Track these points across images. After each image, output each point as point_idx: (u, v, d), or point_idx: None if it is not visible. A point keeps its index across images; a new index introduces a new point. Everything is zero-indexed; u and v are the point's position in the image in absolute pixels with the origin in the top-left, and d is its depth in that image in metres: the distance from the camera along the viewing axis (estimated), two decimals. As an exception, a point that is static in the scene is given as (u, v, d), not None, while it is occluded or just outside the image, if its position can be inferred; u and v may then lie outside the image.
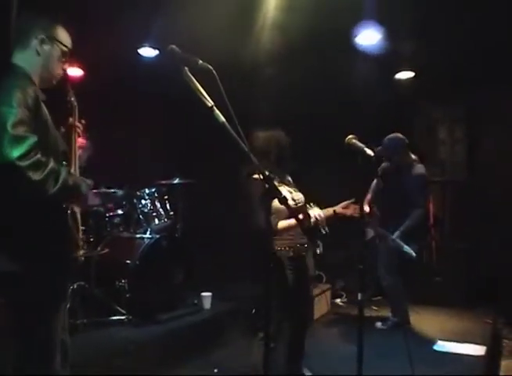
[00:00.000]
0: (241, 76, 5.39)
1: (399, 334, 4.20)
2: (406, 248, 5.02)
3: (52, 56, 2.51)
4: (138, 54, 5.99)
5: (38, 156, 2.14)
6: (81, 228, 2.60)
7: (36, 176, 2.10)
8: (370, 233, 5.51)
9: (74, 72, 6.21)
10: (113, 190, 5.53)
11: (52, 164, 2.19)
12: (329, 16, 4.76)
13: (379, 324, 5.47)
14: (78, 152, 5.47)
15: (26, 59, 2.44)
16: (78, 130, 2.81)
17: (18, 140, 2.09)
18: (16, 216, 2.29)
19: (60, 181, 2.20)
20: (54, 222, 2.37)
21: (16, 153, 2.06)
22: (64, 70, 2.64)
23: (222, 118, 2.22)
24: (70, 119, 2.79)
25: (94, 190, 5.30)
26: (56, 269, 2.37)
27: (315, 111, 6.61)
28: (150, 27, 5.23)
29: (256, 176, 3.52)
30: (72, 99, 2.84)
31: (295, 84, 6.16)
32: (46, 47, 2.47)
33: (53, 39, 2.49)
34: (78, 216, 2.54)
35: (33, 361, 2.38)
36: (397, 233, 5.09)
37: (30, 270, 2.28)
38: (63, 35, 2.55)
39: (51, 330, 2.39)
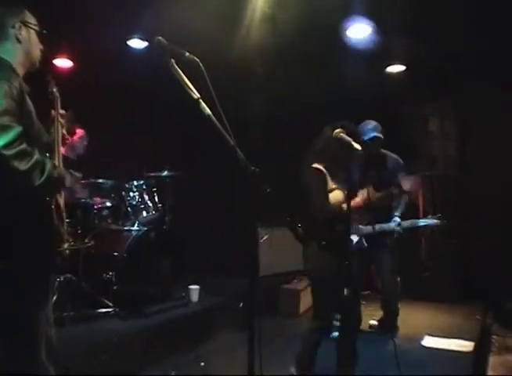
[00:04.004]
0: (230, 71, 5.35)
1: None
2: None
3: (31, 39, 2.54)
4: (128, 45, 5.96)
5: (24, 145, 2.13)
6: (66, 221, 2.58)
7: (22, 166, 2.09)
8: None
9: (63, 63, 6.20)
10: (101, 181, 5.48)
11: (37, 156, 2.18)
12: (320, 9, 4.75)
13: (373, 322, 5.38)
14: (77, 141, 5.52)
15: (7, 49, 2.44)
16: (61, 121, 2.78)
17: (3, 129, 2.08)
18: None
19: (46, 172, 2.19)
20: (38, 216, 2.35)
21: (1, 141, 2.05)
22: (42, 53, 2.64)
23: (208, 111, 2.21)
24: (53, 111, 2.76)
25: (82, 181, 5.34)
26: (40, 263, 2.36)
27: (304, 105, 6.59)
28: (140, 19, 5.19)
29: (316, 166, 3.66)
30: (54, 89, 2.82)
31: (284, 79, 6.14)
32: (24, 33, 2.49)
33: (27, 23, 2.52)
34: (63, 209, 2.52)
35: (18, 355, 2.37)
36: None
37: (14, 264, 2.26)
38: (32, 18, 2.57)
39: (36, 324, 2.38)
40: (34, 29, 2.55)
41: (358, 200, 3.77)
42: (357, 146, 3.20)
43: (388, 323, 5.20)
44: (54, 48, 5.78)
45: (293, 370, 3.93)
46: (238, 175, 2.22)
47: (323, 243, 3.65)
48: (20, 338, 2.35)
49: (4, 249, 2.26)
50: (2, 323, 2.34)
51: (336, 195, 3.67)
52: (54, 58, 6.14)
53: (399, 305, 5.31)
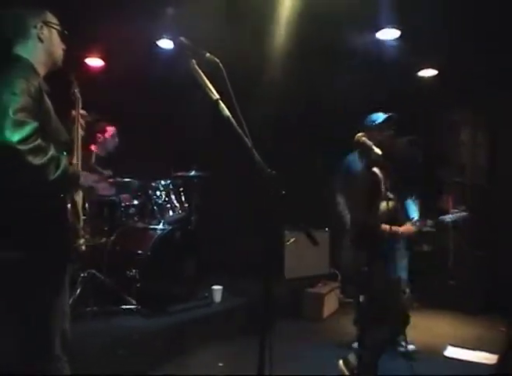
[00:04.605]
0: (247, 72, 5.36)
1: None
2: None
3: (53, 39, 2.59)
4: (157, 45, 6.01)
5: (39, 141, 2.18)
6: (83, 217, 2.61)
7: (36, 161, 2.13)
8: None
9: (95, 62, 6.30)
10: (128, 180, 5.53)
11: (52, 151, 2.22)
12: (350, 11, 4.72)
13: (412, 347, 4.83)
14: (108, 139, 5.60)
15: (29, 49, 2.49)
16: (82, 121, 2.82)
17: (19, 125, 2.12)
18: (14, 203, 2.31)
19: (61, 168, 2.23)
20: (52, 211, 2.39)
21: (16, 137, 2.09)
22: (64, 51, 2.69)
23: (227, 112, 2.21)
24: (73, 111, 2.81)
25: (110, 180, 5.40)
26: (54, 257, 2.39)
27: (334, 110, 6.56)
28: (168, 19, 5.23)
29: (375, 170, 3.56)
30: (76, 90, 2.87)
31: (313, 82, 6.12)
32: (46, 32, 2.55)
33: (49, 23, 2.57)
34: (79, 206, 2.56)
35: (31, 348, 2.40)
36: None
37: (27, 257, 2.30)
38: (54, 18, 2.63)
39: (48, 318, 2.41)
40: (55, 29, 2.61)
41: (409, 227, 3.82)
42: (377, 150, 3.17)
43: None
44: (86, 47, 5.90)
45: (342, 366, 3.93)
46: (254, 176, 2.22)
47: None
48: (34, 329, 2.38)
49: (17, 242, 2.31)
50: (15, 315, 2.39)
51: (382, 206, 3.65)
52: (85, 57, 6.26)
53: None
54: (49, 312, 2.41)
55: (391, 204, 3.70)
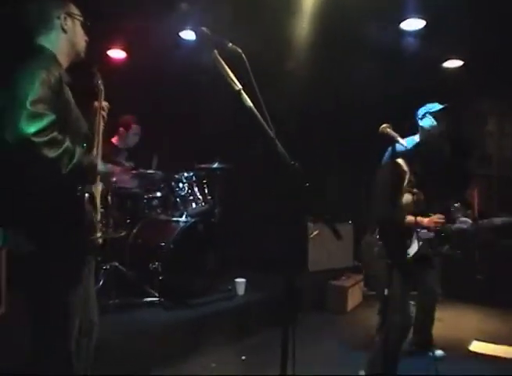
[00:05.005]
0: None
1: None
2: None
3: (76, 30, 2.61)
4: (180, 37, 5.96)
5: (55, 134, 2.17)
6: (101, 210, 2.59)
7: (51, 154, 2.14)
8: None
9: (117, 54, 6.30)
10: (151, 172, 5.52)
11: (67, 144, 2.22)
12: (374, 1, 4.64)
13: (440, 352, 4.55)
14: (130, 135, 5.60)
15: (52, 39, 2.51)
16: (103, 113, 2.81)
17: (35, 117, 2.12)
18: (29, 195, 2.31)
19: (74, 160, 2.23)
20: (67, 204, 2.37)
21: (32, 129, 2.09)
22: (86, 42, 2.70)
23: (249, 102, 2.18)
24: (96, 102, 2.80)
25: (133, 172, 5.39)
26: (69, 251, 2.38)
27: (357, 100, 6.48)
28: (190, 10, 5.19)
29: (400, 161, 3.51)
30: (99, 82, 2.87)
31: (336, 72, 6.05)
32: (69, 23, 2.56)
33: (72, 14, 2.59)
34: (97, 198, 2.54)
35: (49, 341, 2.40)
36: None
37: (43, 250, 2.30)
38: (77, 9, 2.65)
39: (63, 314, 2.40)
40: (78, 20, 2.62)
41: (427, 220, 3.59)
42: (402, 141, 3.09)
43: None
44: (108, 39, 5.89)
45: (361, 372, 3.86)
46: (278, 168, 2.18)
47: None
48: (51, 322, 2.39)
49: (35, 235, 2.31)
50: (34, 309, 2.39)
51: (405, 198, 3.56)
52: (108, 49, 6.26)
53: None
54: (64, 309, 2.40)
55: (415, 197, 3.62)
